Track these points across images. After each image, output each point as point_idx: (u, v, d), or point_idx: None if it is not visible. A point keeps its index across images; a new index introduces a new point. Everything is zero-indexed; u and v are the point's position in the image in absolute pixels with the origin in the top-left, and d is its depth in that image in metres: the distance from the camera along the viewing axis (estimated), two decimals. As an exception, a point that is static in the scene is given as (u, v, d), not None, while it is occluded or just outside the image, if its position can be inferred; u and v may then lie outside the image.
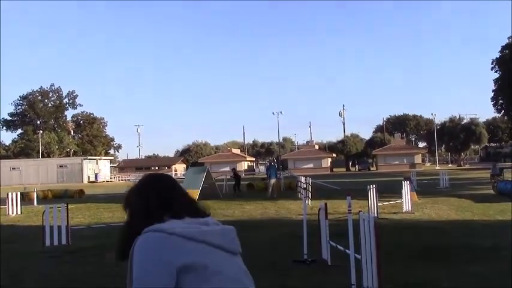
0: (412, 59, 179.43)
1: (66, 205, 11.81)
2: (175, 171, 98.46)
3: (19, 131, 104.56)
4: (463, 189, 26.12)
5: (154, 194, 1.93)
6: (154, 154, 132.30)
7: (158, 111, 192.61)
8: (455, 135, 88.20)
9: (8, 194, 21.01)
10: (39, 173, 74.39)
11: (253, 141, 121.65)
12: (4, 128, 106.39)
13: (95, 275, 8.19)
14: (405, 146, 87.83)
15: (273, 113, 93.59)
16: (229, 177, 31.47)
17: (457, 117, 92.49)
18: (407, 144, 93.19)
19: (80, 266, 9.03)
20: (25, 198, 26.20)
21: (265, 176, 27.24)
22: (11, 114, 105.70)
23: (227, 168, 77.85)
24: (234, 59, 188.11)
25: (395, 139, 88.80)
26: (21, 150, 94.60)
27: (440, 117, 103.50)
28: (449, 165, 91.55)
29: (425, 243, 9.92)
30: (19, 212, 20.57)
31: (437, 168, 71.92)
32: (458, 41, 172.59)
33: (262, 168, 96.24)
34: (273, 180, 24.90)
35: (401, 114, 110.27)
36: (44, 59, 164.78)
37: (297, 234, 10.17)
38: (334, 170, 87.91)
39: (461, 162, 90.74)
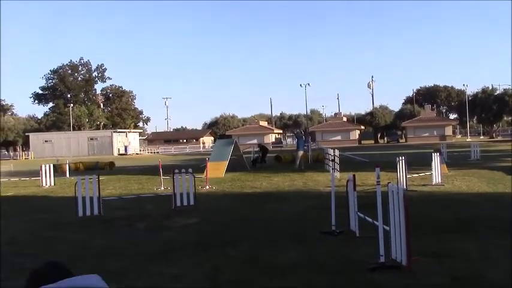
0: (443, 28, 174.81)
1: (97, 177, 12.04)
2: (203, 143, 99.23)
3: (50, 104, 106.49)
4: (495, 162, 25.63)
5: None
6: (182, 127, 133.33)
7: (186, 84, 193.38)
8: (487, 107, 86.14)
9: (41, 166, 21.53)
10: (71, 145, 75.84)
11: (280, 114, 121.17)
12: (36, 101, 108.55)
13: (126, 243, 8.38)
14: (435, 117, 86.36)
15: (301, 85, 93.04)
16: (256, 150, 31.28)
17: (490, 87, 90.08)
18: (438, 115, 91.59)
19: (112, 235, 9.25)
20: (58, 170, 26.83)
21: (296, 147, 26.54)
22: (42, 88, 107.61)
23: (255, 141, 78.07)
24: (261, 31, 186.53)
25: (425, 111, 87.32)
26: (53, 124, 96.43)
27: (472, 88, 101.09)
28: (481, 137, 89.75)
29: (455, 216, 9.80)
30: (52, 184, 21.10)
31: (469, 140, 70.65)
32: (491, 8, 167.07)
33: (289, 141, 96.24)
34: (300, 152, 24.86)
35: (432, 85, 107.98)
36: (73, 33, 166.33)
37: (325, 206, 10.18)
38: (363, 142, 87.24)
39: (494, 134, 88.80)
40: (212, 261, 6.92)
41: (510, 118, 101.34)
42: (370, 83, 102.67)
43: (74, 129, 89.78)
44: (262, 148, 30.23)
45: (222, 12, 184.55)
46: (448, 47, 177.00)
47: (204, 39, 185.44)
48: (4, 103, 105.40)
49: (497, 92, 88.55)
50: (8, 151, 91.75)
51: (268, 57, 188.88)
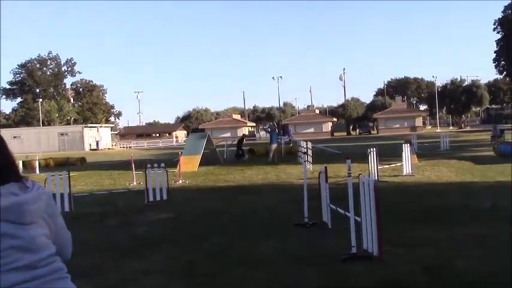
0: (413, 21, 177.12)
1: (68, 173, 11.86)
2: (176, 137, 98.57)
3: (19, 99, 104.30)
4: (464, 152, 26.19)
5: None
6: (154, 121, 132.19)
7: (158, 78, 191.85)
8: (456, 98, 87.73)
9: (9, 163, 21.06)
10: (41, 141, 74.45)
11: (253, 107, 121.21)
12: (4, 96, 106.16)
13: (98, 240, 8.28)
14: (406, 109, 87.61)
15: (273, 78, 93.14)
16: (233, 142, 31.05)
17: (459, 79, 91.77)
18: (408, 107, 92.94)
19: (83, 232, 9.10)
20: (27, 166, 26.32)
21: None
22: (10, 83, 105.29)
23: (228, 134, 78.04)
24: (233, 24, 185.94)
25: (396, 102, 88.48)
26: (22, 119, 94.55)
27: (441, 80, 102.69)
28: (450, 127, 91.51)
29: (426, 206, 9.99)
30: (21, 180, 20.66)
31: (438, 130, 71.93)
32: (460, 1, 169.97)
33: (263, 134, 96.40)
34: (274, 145, 24.92)
35: (403, 77, 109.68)
36: (41, 26, 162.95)
37: (298, 198, 10.23)
38: (335, 134, 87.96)
39: (462, 125, 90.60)
40: (185, 255, 6.90)
41: (478, 109, 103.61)
42: (342, 75, 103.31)
43: (43, 124, 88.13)
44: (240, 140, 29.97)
45: (193, 5, 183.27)
46: (418, 39, 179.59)
47: (175, 32, 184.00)
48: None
49: (466, 83, 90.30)
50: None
51: (240, 50, 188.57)
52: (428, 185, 13.38)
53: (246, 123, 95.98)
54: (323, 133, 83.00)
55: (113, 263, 6.65)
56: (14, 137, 76.82)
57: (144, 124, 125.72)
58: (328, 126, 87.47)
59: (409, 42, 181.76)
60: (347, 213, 6.85)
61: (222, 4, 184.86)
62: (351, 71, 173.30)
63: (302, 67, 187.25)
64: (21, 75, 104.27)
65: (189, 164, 21.17)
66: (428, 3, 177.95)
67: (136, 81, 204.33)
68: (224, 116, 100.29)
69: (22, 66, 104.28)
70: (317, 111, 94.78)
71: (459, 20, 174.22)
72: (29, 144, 73.53)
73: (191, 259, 6.66)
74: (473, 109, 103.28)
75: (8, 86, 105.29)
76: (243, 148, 28.61)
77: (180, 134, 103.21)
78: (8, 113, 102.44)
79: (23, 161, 22.71)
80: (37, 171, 25.88)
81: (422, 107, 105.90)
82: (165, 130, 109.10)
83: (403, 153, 15.87)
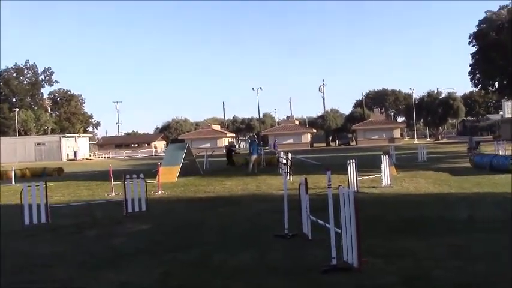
0: (391, 33, 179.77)
1: (44, 183, 11.66)
2: (155, 148, 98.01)
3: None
4: (441, 163, 26.52)
5: None
6: (133, 131, 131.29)
7: (137, 88, 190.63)
8: (433, 110, 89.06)
9: (-16, 173, 20.68)
10: (17, 151, 73.19)
11: (233, 117, 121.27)
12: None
13: (75, 252, 8.14)
14: (384, 120, 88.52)
15: (253, 89, 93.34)
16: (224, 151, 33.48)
17: (435, 91, 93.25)
18: (387, 119, 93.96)
19: (60, 243, 8.97)
20: (2, 176, 25.86)
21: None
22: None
23: (208, 145, 77.78)
24: (212, 34, 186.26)
25: (374, 114, 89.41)
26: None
27: (418, 92, 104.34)
28: (428, 139, 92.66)
29: (404, 216, 10.06)
30: (-4, 191, 20.29)
31: (416, 142, 72.76)
32: (436, 14, 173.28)
33: (242, 144, 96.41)
34: (254, 156, 24.90)
35: (381, 89, 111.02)
36: (18, 35, 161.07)
37: (278, 209, 10.22)
38: (314, 145, 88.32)
39: (439, 136, 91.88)
40: (163, 266, 6.82)
41: (454, 121, 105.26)
42: (321, 86, 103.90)
43: (19, 134, 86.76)
44: (228, 150, 32.66)
45: (172, 15, 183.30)
46: (396, 52, 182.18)
47: (154, 42, 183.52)
48: None
49: (442, 95, 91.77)
50: None
51: (220, 60, 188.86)
52: (406, 196, 13.49)
53: (225, 133, 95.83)
54: (302, 144, 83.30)
55: (89, 275, 6.54)
56: (-11, 147, 75.49)
57: (122, 134, 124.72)
58: (307, 137, 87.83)
59: (387, 55, 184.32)
60: (327, 224, 6.86)
61: (202, 15, 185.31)
62: (330, 82, 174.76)
63: (282, 78, 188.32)
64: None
65: (169, 174, 21.03)
66: (406, 16, 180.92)
67: (115, 91, 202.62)
68: (204, 126, 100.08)
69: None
70: (296, 122, 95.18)
71: (436, 33, 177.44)
72: (5, 154, 72.17)
73: (168, 270, 6.59)
74: (450, 121, 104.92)
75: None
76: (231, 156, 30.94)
77: (159, 145, 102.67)
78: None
79: (-2, 171, 22.25)
80: (13, 181, 25.43)
81: (400, 119, 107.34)
82: (144, 140, 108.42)
83: (382, 164, 16.00)
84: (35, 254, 8.15)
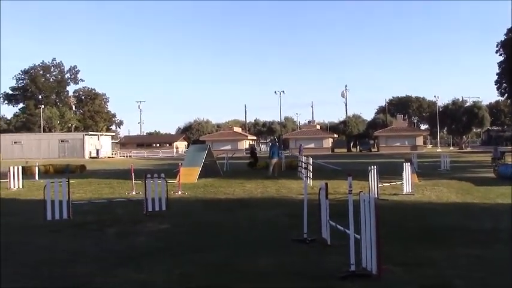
0: (417, 40, 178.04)
1: (67, 180, 11.83)
2: (177, 148, 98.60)
3: (20, 105, 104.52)
4: (464, 172, 26.14)
5: None
6: (155, 131, 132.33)
7: (160, 88, 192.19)
8: (457, 118, 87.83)
9: (9, 168, 21.06)
10: (41, 147, 74.44)
11: (254, 120, 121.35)
12: (5, 102, 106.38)
13: (95, 249, 8.24)
14: (407, 128, 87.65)
15: (275, 92, 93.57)
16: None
17: (460, 100, 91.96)
18: (409, 126, 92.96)
19: (81, 240, 9.09)
20: (26, 172, 26.26)
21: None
22: (12, 88, 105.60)
23: (228, 147, 77.95)
24: (236, 37, 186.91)
25: (397, 121, 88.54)
26: (23, 125, 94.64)
27: (443, 100, 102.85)
28: (451, 147, 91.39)
29: (425, 225, 9.94)
30: (20, 186, 20.65)
31: (439, 150, 71.90)
32: (463, 23, 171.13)
33: (263, 147, 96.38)
34: (274, 160, 24.88)
35: (404, 96, 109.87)
36: (46, 33, 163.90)
37: (297, 214, 10.20)
38: (336, 150, 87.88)
39: (463, 145, 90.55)
40: (182, 267, 6.86)
41: (479, 130, 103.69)
42: (344, 92, 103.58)
43: (44, 131, 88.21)
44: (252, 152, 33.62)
45: (197, 17, 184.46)
46: (421, 59, 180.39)
47: (179, 44, 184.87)
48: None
49: (467, 104, 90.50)
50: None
51: (243, 63, 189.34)
52: (428, 205, 13.33)
53: (247, 136, 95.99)
54: (323, 149, 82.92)
55: (109, 273, 6.60)
56: (15, 142, 77.01)
57: (144, 134, 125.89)
58: (328, 142, 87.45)
59: (411, 62, 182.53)
60: (347, 230, 6.82)
61: (226, 17, 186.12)
62: (353, 88, 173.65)
63: (304, 82, 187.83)
64: (24, 81, 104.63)
65: (189, 175, 21.14)
66: (432, 23, 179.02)
67: (138, 91, 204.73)
68: (225, 128, 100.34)
69: (25, 72, 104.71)
70: (318, 127, 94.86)
71: (463, 41, 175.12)
72: (29, 150, 73.55)
73: (187, 272, 6.61)
74: (474, 130, 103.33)
75: (10, 92, 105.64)
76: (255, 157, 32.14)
77: (181, 145, 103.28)
78: (9, 118, 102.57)
79: (22, 167, 22.64)
80: (36, 177, 25.85)
81: (423, 127, 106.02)
82: (165, 140, 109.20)
83: (404, 171, 15.84)
84: (57, 249, 8.27)
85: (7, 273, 6.70)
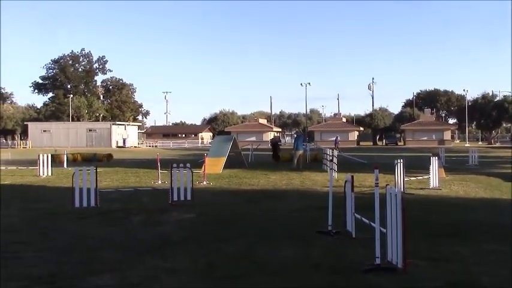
0: (445, 32, 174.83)
1: (95, 168, 12.02)
2: (202, 139, 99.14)
3: (50, 94, 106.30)
4: (493, 168, 25.68)
5: None
6: (181, 121, 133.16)
7: (186, 79, 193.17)
8: (487, 113, 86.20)
9: (39, 156, 21.50)
10: (69, 136, 75.81)
11: (280, 112, 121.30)
12: (36, 91, 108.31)
13: (122, 237, 8.37)
14: (435, 121, 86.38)
15: (301, 84, 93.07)
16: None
17: (490, 94, 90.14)
18: (437, 120, 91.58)
19: (108, 227, 9.24)
20: (55, 160, 26.81)
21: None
22: (42, 78, 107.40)
23: (253, 138, 78.02)
24: (263, 28, 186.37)
25: (424, 114, 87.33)
26: (52, 114, 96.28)
27: (472, 94, 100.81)
28: (480, 142, 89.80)
29: (452, 220, 9.82)
30: (49, 174, 21.08)
31: (467, 145, 70.76)
32: (493, 15, 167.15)
33: (288, 139, 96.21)
34: (299, 152, 24.82)
35: (432, 89, 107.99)
36: (75, 23, 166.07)
37: (322, 206, 10.18)
38: (361, 143, 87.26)
39: (492, 140, 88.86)
40: (207, 256, 6.92)
41: (509, 125, 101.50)
42: (371, 84, 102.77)
43: (72, 120, 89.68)
44: (274, 144, 31.52)
45: (224, 8, 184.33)
46: (449, 52, 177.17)
47: (205, 35, 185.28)
48: (4, 91, 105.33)
49: (497, 98, 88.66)
50: (6, 140, 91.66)
51: (270, 54, 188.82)
52: (455, 200, 13.15)
53: (272, 128, 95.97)
54: (349, 142, 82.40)
55: (136, 260, 6.71)
56: (44, 131, 78.57)
57: (170, 124, 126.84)
58: (354, 135, 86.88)
59: (440, 54, 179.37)
60: (372, 223, 6.78)
61: (253, 8, 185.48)
62: (380, 80, 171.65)
63: (331, 74, 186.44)
64: (54, 71, 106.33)
65: (214, 166, 21.25)
66: (462, 16, 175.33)
67: (165, 82, 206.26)
68: (250, 119, 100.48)
69: (55, 61, 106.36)
70: (344, 120, 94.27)
71: (494, 33, 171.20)
72: (58, 138, 74.99)
73: (212, 261, 6.67)
74: (504, 125, 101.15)
75: (40, 81, 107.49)
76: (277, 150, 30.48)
77: (206, 136, 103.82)
78: (39, 107, 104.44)
79: (51, 155, 23.10)
80: (65, 165, 26.35)
81: (451, 121, 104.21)
82: (191, 131, 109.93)
83: (431, 166, 15.64)
84: (85, 236, 8.43)
85: (37, 257, 6.87)
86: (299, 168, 23.37)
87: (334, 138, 58.40)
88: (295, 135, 33.34)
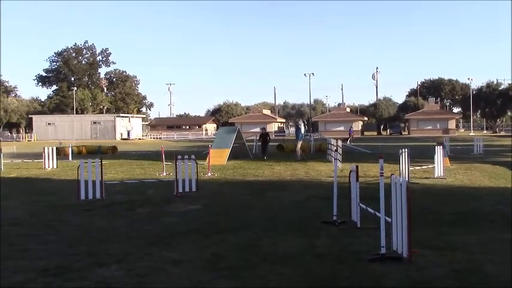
0: (449, 21, 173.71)
1: (100, 160, 12.06)
2: (206, 130, 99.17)
3: (54, 87, 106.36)
4: (498, 156, 25.60)
5: None
6: (185, 113, 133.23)
7: (190, 71, 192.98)
8: (491, 101, 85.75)
9: (44, 149, 21.57)
10: (74, 128, 75.94)
11: (284, 103, 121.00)
12: (39, 83, 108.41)
13: (128, 228, 8.41)
14: (439, 110, 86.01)
15: (305, 75, 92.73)
16: (258, 138, 27.67)
17: (495, 82, 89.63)
18: (442, 109, 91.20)
19: (113, 219, 9.29)
20: (60, 153, 26.90)
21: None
22: (46, 71, 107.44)
23: (257, 129, 77.98)
24: (266, 18, 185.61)
25: (429, 103, 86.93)
26: (56, 106, 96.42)
27: (477, 82, 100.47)
28: (484, 131, 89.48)
29: (457, 209, 9.81)
30: (55, 166, 21.17)
31: (472, 134, 70.51)
32: (498, 3, 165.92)
33: (292, 130, 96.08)
34: (298, 142, 24.51)
35: (437, 78, 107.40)
36: (78, 16, 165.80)
37: (326, 196, 10.20)
38: (365, 133, 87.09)
39: (497, 129, 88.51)
40: (213, 247, 6.95)
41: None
42: (375, 74, 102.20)
43: (77, 112, 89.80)
44: (262, 136, 25.70)
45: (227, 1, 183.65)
46: (454, 40, 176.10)
47: (208, 26, 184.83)
48: (8, 84, 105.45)
49: (502, 86, 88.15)
50: (11, 133, 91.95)
51: (273, 45, 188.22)
52: (460, 189, 13.14)
53: (276, 118, 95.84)
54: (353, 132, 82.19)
55: (142, 252, 6.74)
56: (49, 124, 78.78)
57: (174, 116, 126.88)
58: (358, 125, 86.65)
59: (444, 43, 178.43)
60: (377, 213, 6.79)
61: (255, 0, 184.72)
62: (384, 70, 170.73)
63: (334, 64, 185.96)
64: (58, 63, 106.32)
65: (218, 157, 21.28)
66: (464, 4, 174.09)
67: (169, 74, 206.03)
68: (254, 110, 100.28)
69: (59, 54, 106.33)
70: (348, 110, 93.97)
71: (497, 22, 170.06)
72: (63, 131, 75.16)
73: (218, 252, 6.70)
74: (509, 114, 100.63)
75: (44, 74, 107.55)
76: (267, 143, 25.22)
77: (210, 127, 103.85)
78: (43, 100, 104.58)
79: (56, 148, 23.17)
80: (70, 157, 26.43)
81: (456, 110, 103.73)
82: (195, 123, 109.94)
83: (435, 155, 15.60)
84: (91, 228, 8.48)
85: (44, 249, 6.92)
86: (303, 159, 23.24)
87: (348, 129, 58.11)
88: (295, 127, 32.70)
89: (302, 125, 26.04)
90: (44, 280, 5.53)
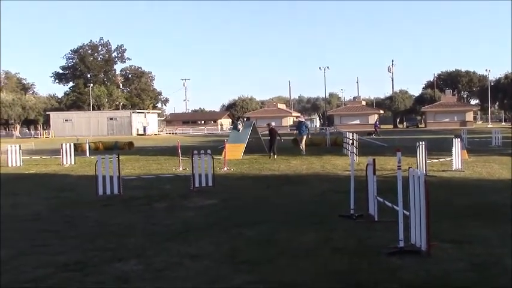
0: (466, 12, 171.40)
1: (117, 156, 12.15)
2: (221, 125, 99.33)
3: (70, 84, 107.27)
4: (517, 148, 25.24)
5: None
6: (200, 108, 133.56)
7: (205, 66, 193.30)
8: (510, 93, 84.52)
9: (62, 145, 21.80)
10: (90, 125, 76.64)
11: (299, 97, 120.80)
12: (56, 80, 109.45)
13: (146, 223, 8.47)
14: (456, 103, 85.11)
15: (320, 68, 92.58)
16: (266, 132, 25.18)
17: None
18: (459, 101, 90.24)
19: (131, 214, 9.36)
20: (78, 149, 27.16)
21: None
22: (62, 68, 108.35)
23: (273, 124, 77.83)
24: (281, 13, 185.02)
25: (446, 96, 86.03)
26: (73, 103, 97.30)
27: (495, 74, 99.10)
28: (503, 123, 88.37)
29: (476, 202, 9.71)
30: (73, 162, 21.38)
31: (490, 126, 69.66)
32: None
33: (308, 124, 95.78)
34: (301, 137, 24.19)
35: (454, 70, 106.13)
36: (93, 13, 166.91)
37: (343, 190, 10.16)
38: (382, 126, 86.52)
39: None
40: (230, 241, 6.97)
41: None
42: (391, 66, 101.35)
43: (93, 109, 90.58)
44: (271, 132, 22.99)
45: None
46: (471, 31, 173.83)
47: (223, 21, 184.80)
48: (25, 82, 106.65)
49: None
50: (29, 130, 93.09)
51: (288, 39, 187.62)
52: (478, 181, 13.00)
53: (291, 113, 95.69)
54: (369, 125, 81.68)
55: (160, 246, 6.79)
56: (66, 120, 79.53)
57: (190, 111, 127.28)
58: (374, 119, 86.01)
59: (461, 34, 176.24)
60: (395, 206, 6.75)
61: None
62: (400, 62, 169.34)
63: (349, 58, 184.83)
64: (74, 61, 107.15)
65: (234, 151, 21.32)
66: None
67: (184, 69, 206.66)
68: (269, 105, 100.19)
69: (75, 51, 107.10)
70: (363, 103, 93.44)
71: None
72: (80, 127, 75.85)
73: (235, 246, 6.72)
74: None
75: (60, 71, 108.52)
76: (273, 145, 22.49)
77: (225, 122, 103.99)
78: (60, 96, 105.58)
79: (74, 144, 23.40)
80: (87, 153, 26.69)
81: (474, 102, 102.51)
82: (210, 118, 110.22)
83: (453, 147, 15.45)
84: (109, 223, 8.56)
85: (64, 244, 7.00)
86: (301, 153, 22.74)
87: (374, 122, 57.75)
88: (297, 121, 32.15)
89: (302, 120, 25.64)
90: (64, 275, 5.60)
